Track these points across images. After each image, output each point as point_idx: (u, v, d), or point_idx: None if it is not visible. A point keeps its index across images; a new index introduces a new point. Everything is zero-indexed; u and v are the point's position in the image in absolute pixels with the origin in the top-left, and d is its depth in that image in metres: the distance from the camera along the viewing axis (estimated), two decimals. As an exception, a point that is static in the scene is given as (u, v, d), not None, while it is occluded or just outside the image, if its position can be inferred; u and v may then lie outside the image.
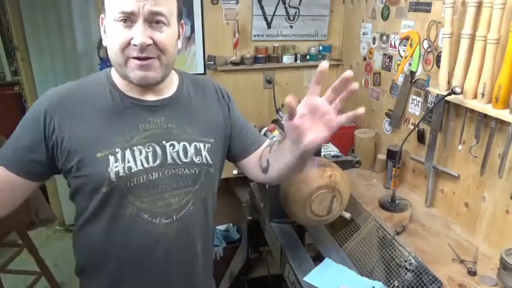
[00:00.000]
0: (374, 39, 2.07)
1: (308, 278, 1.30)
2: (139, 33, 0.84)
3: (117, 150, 0.90)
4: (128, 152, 0.91)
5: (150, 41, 0.85)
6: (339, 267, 1.36)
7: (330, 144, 1.98)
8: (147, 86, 0.93)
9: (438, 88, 1.52)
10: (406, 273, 1.36)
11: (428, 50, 1.63)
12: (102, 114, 0.92)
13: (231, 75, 2.44)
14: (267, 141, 1.16)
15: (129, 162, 0.90)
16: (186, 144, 0.97)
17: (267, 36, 2.40)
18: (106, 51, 0.94)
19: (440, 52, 1.52)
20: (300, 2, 2.37)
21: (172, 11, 0.90)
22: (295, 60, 2.46)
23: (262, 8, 2.31)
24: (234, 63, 2.37)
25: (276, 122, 2.28)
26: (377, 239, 1.56)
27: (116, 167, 0.89)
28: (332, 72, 2.60)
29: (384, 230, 1.54)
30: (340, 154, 1.81)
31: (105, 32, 0.91)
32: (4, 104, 3.62)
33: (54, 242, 3.04)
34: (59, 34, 2.68)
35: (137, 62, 0.87)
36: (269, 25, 2.37)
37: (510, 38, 1.19)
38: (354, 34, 2.30)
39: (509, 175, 1.30)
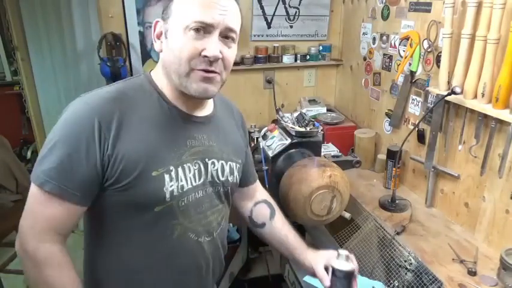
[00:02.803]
0: (374, 39, 2.07)
1: (308, 278, 1.30)
2: (213, 46, 0.82)
3: (171, 168, 0.86)
4: (180, 170, 0.88)
5: (221, 55, 0.84)
6: (339, 267, 1.36)
7: (330, 144, 1.99)
8: (202, 99, 0.92)
9: (438, 88, 1.52)
10: (406, 273, 1.36)
11: (428, 50, 1.63)
12: (153, 127, 0.86)
13: (231, 75, 2.39)
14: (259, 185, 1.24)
15: (181, 180, 0.88)
16: (224, 163, 0.99)
17: (267, 36, 2.40)
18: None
19: (440, 52, 1.52)
20: (300, 2, 2.37)
21: (239, 29, 0.90)
22: (295, 60, 2.46)
23: (262, 8, 2.31)
24: (234, 63, 2.36)
25: (276, 121, 2.27)
26: (377, 239, 1.56)
27: (171, 186, 0.86)
28: (332, 72, 2.60)
29: (384, 230, 1.54)
30: (340, 154, 1.82)
31: (166, 37, 0.85)
32: (4, 104, 3.62)
33: (54, 242, 3.03)
34: (59, 34, 2.68)
35: (203, 74, 0.84)
36: (269, 25, 2.37)
37: (510, 38, 1.19)
38: (354, 34, 2.30)
39: (509, 175, 1.29)
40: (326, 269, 1.00)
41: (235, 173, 1.03)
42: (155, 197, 0.85)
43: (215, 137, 0.98)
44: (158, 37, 0.88)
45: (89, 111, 0.81)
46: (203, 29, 0.81)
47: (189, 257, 0.94)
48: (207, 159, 0.94)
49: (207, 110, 0.98)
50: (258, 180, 1.24)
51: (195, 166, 0.92)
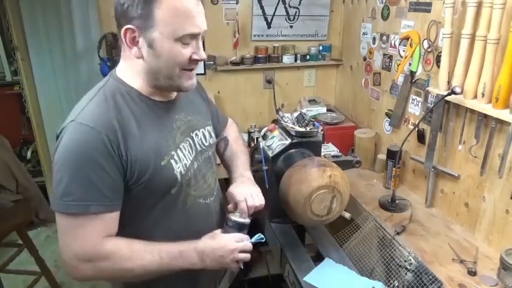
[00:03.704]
0: (374, 39, 2.07)
1: (308, 278, 1.30)
2: (202, 51, 0.94)
3: (173, 152, 0.98)
4: (179, 152, 1.00)
5: None
6: (339, 267, 1.36)
7: (330, 144, 1.99)
8: None
9: (438, 88, 1.52)
10: (406, 273, 1.36)
11: (428, 50, 1.63)
12: (146, 123, 0.95)
13: (231, 75, 2.44)
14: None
15: (183, 160, 1.00)
16: (203, 130, 1.12)
17: (267, 36, 2.40)
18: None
19: (440, 52, 1.52)
20: (300, 2, 2.37)
21: None
22: (295, 60, 2.46)
23: (262, 8, 2.31)
24: (234, 63, 2.37)
25: (276, 121, 2.27)
26: (377, 239, 1.56)
27: (178, 168, 0.98)
28: (332, 72, 2.60)
29: (384, 230, 1.54)
30: (340, 154, 1.81)
31: (151, 46, 0.89)
32: (4, 104, 3.62)
33: (54, 242, 3.03)
34: (59, 34, 2.68)
35: (191, 72, 0.96)
36: (269, 25, 2.37)
37: (510, 38, 1.19)
38: (354, 34, 2.30)
39: (509, 175, 1.29)
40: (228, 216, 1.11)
41: (212, 134, 1.17)
42: (170, 181, 0.97)
43: (188, 110, 1.10)
44: (134, 44, 0.91)
45: (94, 132, 0.85)
46: (190, 37, 0.91)
47: (203, 219, 1.07)
48: (191, 133, 1.07)
49: None
50: (225, 119, 1.42)
51: (186, 143, 1.04)
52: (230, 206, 1.13)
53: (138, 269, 0.91)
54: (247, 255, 1.03)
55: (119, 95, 0.94)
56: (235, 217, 1.07)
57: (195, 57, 0.92)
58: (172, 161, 0.97)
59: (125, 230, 0.95)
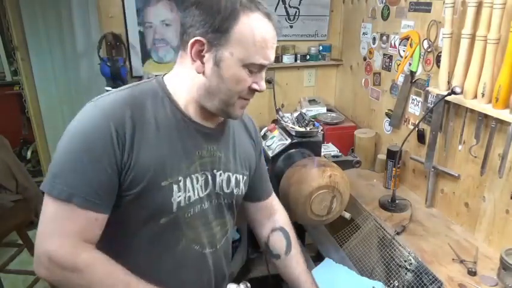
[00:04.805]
0: (374, 39, 2.07)
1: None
2: (263, 83, 0.88)
3: (180, 178, 0.87)
4: (188, 181, 0.88)
5: None
6: (339, 267, 1.36)
7: (330, 144, 1.99)
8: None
9: (438, 88, 1.52)
10: (406, 273, 1.36)
11: (428, 50, 1.63)
12: (164, 135, 0.86)
13: (231, 75, 2.44)
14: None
15: (189, 191, 0.89)
16: (230, 174, 0.98)
17: (267, 36, 2.40)
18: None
19: (440, 52, 1.52)
20: (300, 2, 2.36)
21: None
22: (295, 60, 2.46)
23: (262, 8, 2.31)
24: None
25: (276, 121, 2.28)
26: (377, 239, 1.56)
27: (178, 197, 0.86)
28: (332, 72, 2.60)
29: (384, 230, 1.54)
30: (340, 154, 1.81)
31: (217, 65, 0.83)
32: (4, 104, 3.62)
33: (54, 242, 3.03)
34: (59, 34, 2.68)
35: (246, 102, 0.90)
36: (269, 25, 2.37)
37: (510, 38, 1.19)
38: (354, 34, 2.30)
39: (509, 175, 1.29)
40: None
41: (241, 185, 1.02)
42: (162, 207, 0.85)
43: (225, 147, 0.98)
44: (199, 57, 0.84)
45: (105, 120, 0.79)
46: (258, 67, 0.86)
47: (194, 268, 0.94)
48: (215, 171, 0.95)
49: (219, 119, 0.97)
50: (273, 194, 1.22)
51: (202, 176, 0.92)
52: None
53: None
54: None
55: (151, 97, 0.87)
56: None
57: (255, 87, 0.87)
58: (174, 186, 0.86)
59: (107, 251, 0.83)
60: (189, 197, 0.89)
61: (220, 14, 0.80)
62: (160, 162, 0.84)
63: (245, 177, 1.04)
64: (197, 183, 0.90)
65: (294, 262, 1.14)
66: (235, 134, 1.03)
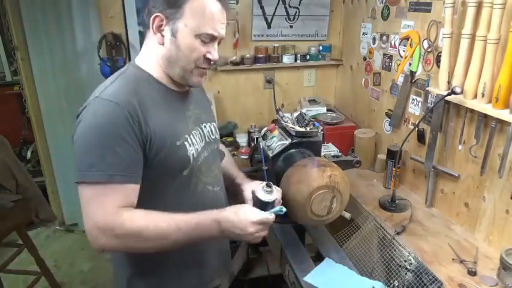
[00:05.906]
0: (374, 39, 2.07)
1: (308, 278, 1.30)
2: (216, 52, 1.04)
3: (186, 136, 1.05)
4: (191, 137, 1.07)
5: None
6: (339, 267, 1.36)
7: (330, 144, 1.99)
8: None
9: (438, 88, 1.52)
10: (406, 273, 1.36)
11: (428, 50, 1.63)
12: (163, 107, 1.03)
13: (231, 75, 2.44)
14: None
15: (195, 145, 1.08)
16: (209, 125, 1.20)
17: (267, 36, 2.40)
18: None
19: (440, 52, 1.52)
20: (300, 2, 2.37)
21: None
22: (295, 60, 2.46)
23: (262, 8, 2.31)
24: (234, 63, 2.37)
25: (276, 121, 2.28)
26: (377, 239, 1.56)
27: (191, 151, 1.05)
28: (332, 72, 2.60)
29: (384, 230, 1.54)
30: (340, 154, 1.81)
31: (174, 36, 0.98)
32: (4, 104, 3.62)
33: (54, 242, 3.04)
34: (59, 34, 2.67)
35: (203, 70, 1.05)
36: (269, 25, 2.37)
37: (510, 38, 1.19)
38: (354, 34, 2.30)
39: (509, 175, 1.30)
40: (253, 192, 1.13)
41: (217, 131, 1.25)
42: (184, 162, 1.04)
43: (197, 105, 1.17)
44: (159, 31, 1.00)
45: (118, 108, 0.92)
46: (209, 38, 1.01)
47: (211, 205, 1.08)
48: (200, 124, 1.15)
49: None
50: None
51: (197, 131, 1.11)
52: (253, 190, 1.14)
53: (153, 238, 0.94)
54: (266, 230, 1.04)
55: (138, 79, 1.02)
56: (259, 195, 1.08)
57: (208, 56, 1.02)
58: (186, 143, 1.04)
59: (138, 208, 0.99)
60: (197, 149, 1.08)
61: None
62: (169, 129, 1.01)
63: (215, 124, 1.26)
64: (196, 137, 1.09)
65: (224, 162, 1.38)
66: (194, 94, 1.20)
